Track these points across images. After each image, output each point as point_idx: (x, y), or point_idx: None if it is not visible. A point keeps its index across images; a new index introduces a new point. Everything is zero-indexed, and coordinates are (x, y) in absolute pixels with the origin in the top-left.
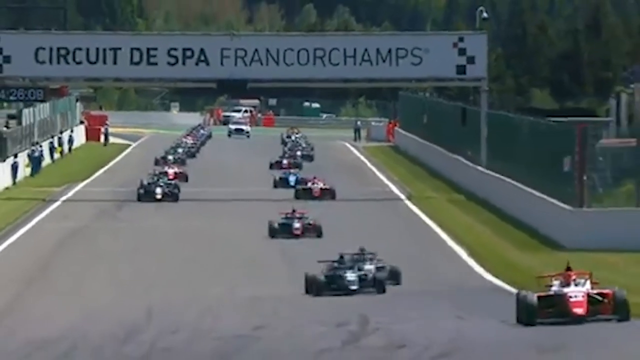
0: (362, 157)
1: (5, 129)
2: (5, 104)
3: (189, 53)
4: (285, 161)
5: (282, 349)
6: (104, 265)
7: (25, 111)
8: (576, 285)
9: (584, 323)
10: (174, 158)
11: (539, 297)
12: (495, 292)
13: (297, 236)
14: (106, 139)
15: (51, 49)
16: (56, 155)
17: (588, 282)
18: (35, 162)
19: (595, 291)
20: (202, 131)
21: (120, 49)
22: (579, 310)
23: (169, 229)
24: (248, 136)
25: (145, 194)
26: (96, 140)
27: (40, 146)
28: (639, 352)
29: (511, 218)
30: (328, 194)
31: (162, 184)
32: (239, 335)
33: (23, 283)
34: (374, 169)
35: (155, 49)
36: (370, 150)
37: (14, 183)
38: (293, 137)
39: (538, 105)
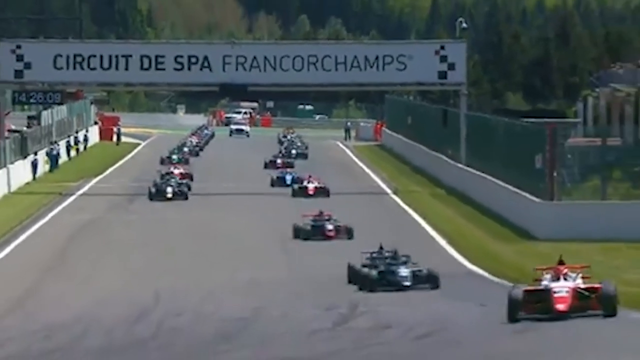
0: (352, 155)
1: (26, 129)
2: (26, 107)
3: (193, 60)
4: (279, 160)
5: (278, 329)
6: (116, 254)
7: (44, 113)
8: (566, 279)
9: (567, 319)
10: (179, 158)
11: (525, 291)
12: (473, 278)
13: (329, 238)
14: (118, 138)
15: (68, 56)
16: (72, 153)
17: (580, 276)
18: (53, 159)
19: (584, 286)
20: (206, 131)
21: (131, 56)
22: (561, 307)
23: (176, 221)
24: (248, 136)
25: (157, 193)
26: (109, 140)
27: (58, 145)
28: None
29: (488, 210)
30: (322, 192)
31: (172, 184)
32: (239, 317)
33: (41, 270)
34: (362, 165)
35: (163, 56)
36: (359, 148)
37: (34, 178)
38: (289, 137)
39: (512, 108)
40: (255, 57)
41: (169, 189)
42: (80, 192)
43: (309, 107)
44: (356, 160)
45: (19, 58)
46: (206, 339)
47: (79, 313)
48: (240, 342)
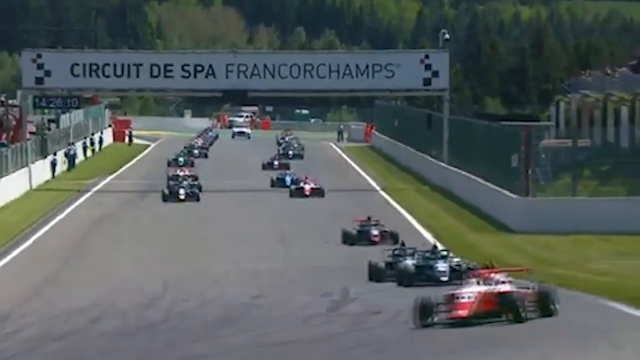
0: (344, 155)
1: (46, 131)
2: (45, 111)
3: (199, 68)
4: (276, 162)
5: (276, 314)
6: (128, 245)
7: (63, 117)
8: (485, 284)
9: (473, 325)
10: (185, 160)
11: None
12: None
13: (374, 243)
14: (130, 140)
15: (84, 65)
16: (88, 153)
17: (503, 280)
18: (70, 159)
19: (498, 290)
20: (210, 133)
21: (142, 64)
22: (462, 312)
23: (183, 215)
24: (249, 138)
25: (170, 195)
26: (122, 141)
27: (75, 146)
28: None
29: (469, 205)
30: (318, 192)
31: (184, 186)
32: (240, 303)
33: (60, 260)
34: (354, 165)
35: (171, 64)
36: (351, 149)
37: (53, 176)
38: (287, 139)
39: (491, 112)
40: (255, 66)
41: (182, 191)
42: (96, 189)
43: (305, 111)
44: (348, 160)
45: (40, 66)
46: (211, 323)
47: (95, 299)
48: (241, 326)
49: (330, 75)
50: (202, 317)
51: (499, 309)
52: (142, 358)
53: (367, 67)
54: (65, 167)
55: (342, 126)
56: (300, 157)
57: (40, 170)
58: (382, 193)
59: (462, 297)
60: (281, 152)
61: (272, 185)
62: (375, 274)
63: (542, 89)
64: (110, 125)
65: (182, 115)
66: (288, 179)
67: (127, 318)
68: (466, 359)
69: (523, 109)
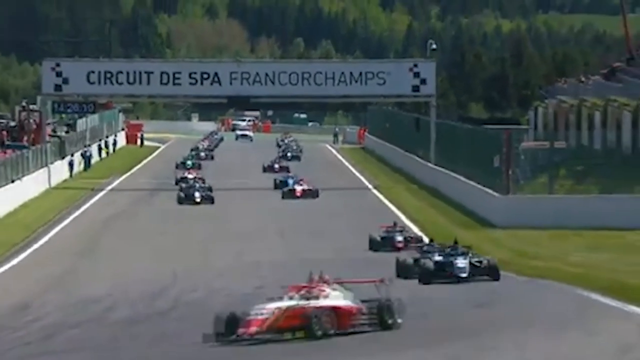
0: (339, 156)
1: (64, 134)
2: (63, 115)
3: (205, 76)
4: (276, 165)
5: None
6: (140, 239)
7: (79, 121)
8: (303, 298)
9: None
10: (192, 163)
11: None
12: None
13: (398, 249)
14: (142, 142)
15: (99, 73)
16: (103, 155)
17: (326, 295)
18: (87, 159)
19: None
20: (215, 136)
21: (152, 72)
22: (251, 329)
23: (190, 212)
24: (251, 140)
25: (186, 198)
26: (134, 143)
27: (91, 147)
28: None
29: (454, 203)
30: (310, 194)
31: (199, 189)
32: (243, 292)
33: (77, 253)
34: (348, 165)
35: (180, 72)
36: (345, 150)
37: (71, 176)
38: (286, 141)
39: (474, 116)
40: (257, 74)
41: (197, 194)
42: (110, 187)
43: (303, 116)
44: (343, 160)
45: (58, 74)
46: (216, 311)
47: (108, 289)
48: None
49: (326, 82)
50: (208, 306)
51: (300, 325)
52: (152, 344)
53: (360, 74)
54: (81, 167)
55: (337, 129)
56: (298, 158)
57: (59, 170)
58: (375, 191)
59: (257, 314)
60: (281, 153)
61: (276, 187)
62: (403, 271)
63: (522, 95)
64: (123, 129)
65: (189, 119)
66: (291, 182)
67: (138, 307)
68: (447, 346)
69: (504, 114)
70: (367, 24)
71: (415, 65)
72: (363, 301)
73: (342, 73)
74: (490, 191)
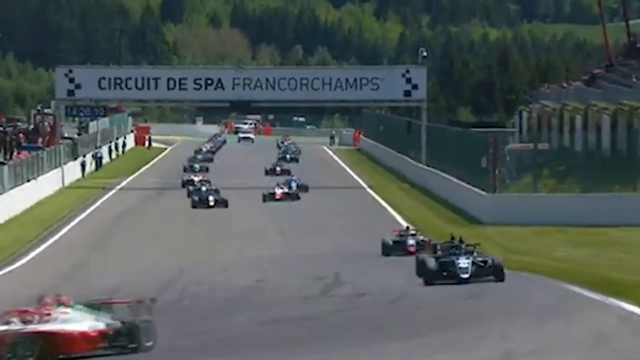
0: (336, 157)
1: (77, 136)
2: (76, 119)
3: (209, 81)
4: (278, 168)
5: (277, 296)
6: (148, 235)
7: (91, 124)
8: (22, 322)
9: None
10: (200, 167)
11: None
12: None
13: (411, 253)
14: (149, 144)
15: (110, 79)
16: (113, 156)
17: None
18: (98, 160)
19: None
20: (219, 138)
21: (160, 78)
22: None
23: (196, 210)
24: (253, 142)
25: (199, 202)
26: (142, 145)
27: (102, 149)
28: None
29: (444, 201)
30: (289, 197)
31: (212, 192)
32: (245, 286)
33: (88, 248)
34: (344, 165)
35: (185, 78)
36: (341, 152)
37: (83, 176)
38: (285, 143)
39: (463, 120)
40: (258, 79)
41: (211, 198)
42: (119, 186)
43: (301, 119)
44: (339, 161)
45: (71, 80)
46: (219, 303)
47: (118, 282)
48: (246, 306)
49: (323, 88)
50: (212, 298)
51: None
52: (159, 333)
53: (355, 80)
54: (93, 167)
55: (333, 132)
56: (296, 160)
57: (72, 170)
58: (369, 190)
59: None
60: (280, 155)
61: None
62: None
63: (507, 99)
64: (132, 131)
65: (194, 122)
66: (294, 185)
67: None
68: (438, 336)
69: (491, 117)
70: (361, 32)
71: (407, 72)
72: (122, 323)
73: (338, 79)
74: (478, 190)
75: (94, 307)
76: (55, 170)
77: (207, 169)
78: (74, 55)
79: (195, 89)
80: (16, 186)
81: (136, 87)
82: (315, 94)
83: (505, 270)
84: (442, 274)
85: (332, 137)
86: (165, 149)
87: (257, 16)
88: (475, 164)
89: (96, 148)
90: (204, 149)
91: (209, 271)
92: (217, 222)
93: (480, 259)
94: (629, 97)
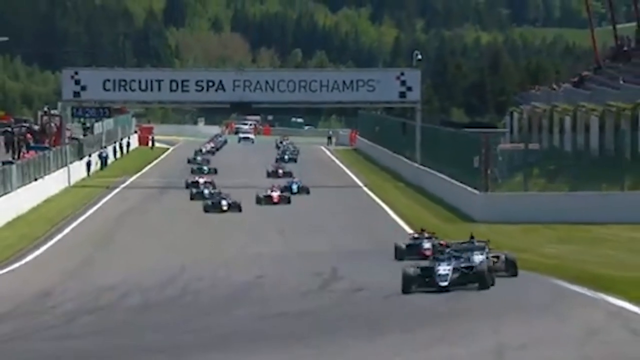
0: (333, 157)
1: (82, 136)
2: (81, 119)
3: (210, 83)
4: (280, 171)
5: (276, 291)
6: (151, 233)
7: (96, 124)
8: None
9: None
10: (209, 169)
11: None
12: None
13: (426, 257)
14: (152, 144)
15: (114, 81)
16: (118, 155)
17: None
18: (103, 160)
19: None
20: (220, 138)
21: (162, 80)
22: None
23: (197, 207)
24: (252, 142)
25: (212, 206)
26: (146, 145)
27: (107, 149)
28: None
29: (438, 199)
30: (285, 200)
31: (225, 197)
32: (245, 282)
33: (93, 245)
34: (341, 165)
35: (187, 80)
36: (338, 152)
37: (88, 175)
38: (284, 143)
39: (455, 121)
40: (258, 81)
41: (224, 202)
42: (123, 185)
43: (300, 120)
44: (336, 160)
45: (77, 82)
46: (221, 298)
47: (122, 278)
48: (246, 301)
49: (321, 90)
50: (213, 294)
51: None
52: (162, 329)
53: (352, 82)
54: (98, 167)
55: (331, 132)
56: (295, 160)
57: (77, 170)
58: (365, 188)
59: None
60: (279, 155)
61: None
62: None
63: (499, 101)
64: (136, 132)
65: (196, 122)
66: (295, 187)
67: (149, 295)
68: (430, 330)
69: (483, 118)
70: (358, 36)
71: (402, 74)
72: None
73: (336, 81)
74: (470, 189)
75: None
76: (61, 170)
77: (215, 171)
78: (80, 58)
79: (197, 90)
80: (24, 185)
81: (140, 88)
82: (313, 96)
83: (493, 276)
84: (423, 281)
85: (329, 138)
86: (168, 149)
87: (257, 21)
88: (468, 164)
89: (101, 148)
90: (203, 150)
91: (210, 268)
92: (218, 220)
93: (492, 255)
94: (616, 98)
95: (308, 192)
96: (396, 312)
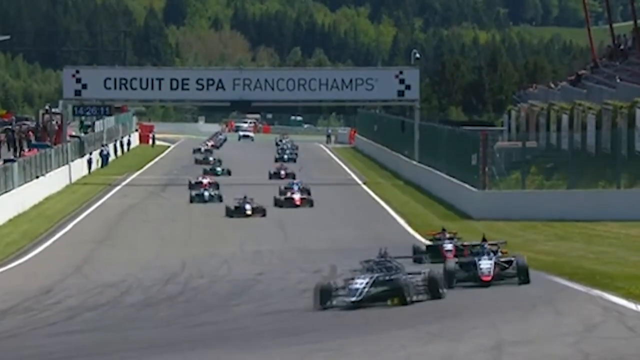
0: (332, 155)
1: (83, 134)
2: (82, 118)
3: (211, 82)
4: (282, 172)
5: (276, 288)
6: (152, 230)
7: (97, 122)
8: None
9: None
10: (222, 170)
11: None
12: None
13: (446, 259)
14: (153, 142)
15: (115, 79)
16: (119, 153)
17: None
18: (104, 158)
19: None
20: (220, 136)
21: (163, 79)
22: None
23: (196, 206)
24: (252, 140)
25: (236, 211)
26: (146, 143)
27: (108, 146)
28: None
29: (436, 197)
30: (308, 202)
31: (249, 201)
32: (245, 279)
33: (95, 242)
34: (340, 162)
35: (188, 79)
36: (337, 150)
37: (89, 172)
38: (284, 141)
39: (454, 119)
40: (258, 80)
41: (248, 206)
42: (125, 182)
43: (299, 118)
44: (335, 158)
45: (78, 80)
46: (221, 295)
47: (123, 275)
48: (247, 298)
49: (320, 88)
50: (213, 290)
51: None
52: (163, 325)
53: (351, 81)
54: (99, 164)
55: (330, 130)
56: (294, 160)
57: (79, 168)
58: (363, 186)
59: None
60: (279, 153)
61: (280, 194)
62: (449, 276)
63: (497, 99)
64: (136, 130)
65: (196, 121)
66: (296, 188)
67: (150, 291)
68: (428, 326)
69: (481, 116)
70: (356, 35)
71: (401, 73)
72: None
73: (334, 79)
74: (468, 186)
75: None
76: (63, 168)
77: (229, 172)
78: (81, 57)
79: (197, 89)
80: (25, 182)
81: (140, 87)
82: (312, 94)
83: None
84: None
85: (328, 136)
86: (169, 147)
87: (257, 19)
88: (466, 162)
89: (102, 146)
90: (202, 149)
91: (211, 264)
92: (219, 217)
93: (502, 260)
94: (613, 97)
95: (309, 193)
96: (395, 308)
